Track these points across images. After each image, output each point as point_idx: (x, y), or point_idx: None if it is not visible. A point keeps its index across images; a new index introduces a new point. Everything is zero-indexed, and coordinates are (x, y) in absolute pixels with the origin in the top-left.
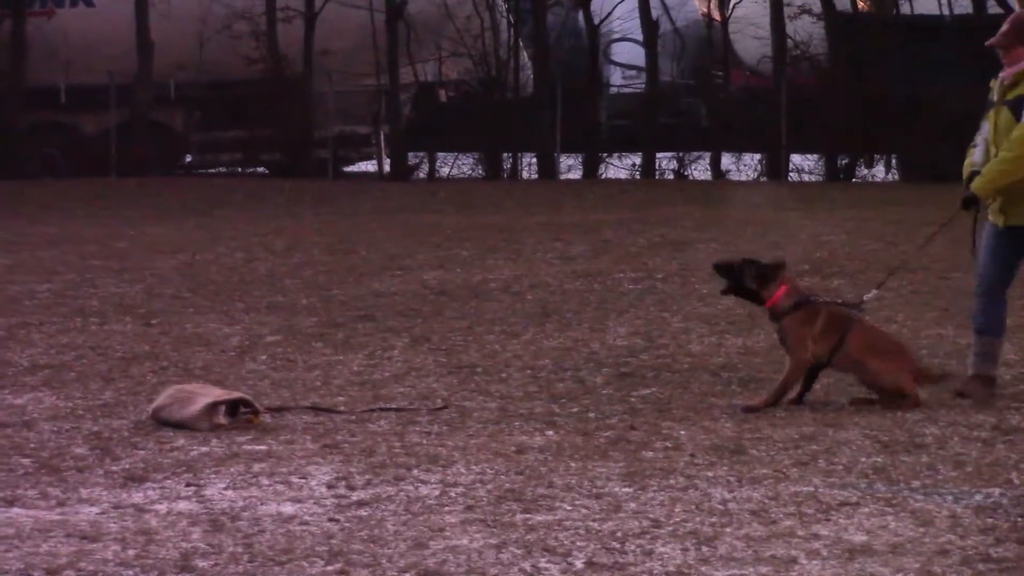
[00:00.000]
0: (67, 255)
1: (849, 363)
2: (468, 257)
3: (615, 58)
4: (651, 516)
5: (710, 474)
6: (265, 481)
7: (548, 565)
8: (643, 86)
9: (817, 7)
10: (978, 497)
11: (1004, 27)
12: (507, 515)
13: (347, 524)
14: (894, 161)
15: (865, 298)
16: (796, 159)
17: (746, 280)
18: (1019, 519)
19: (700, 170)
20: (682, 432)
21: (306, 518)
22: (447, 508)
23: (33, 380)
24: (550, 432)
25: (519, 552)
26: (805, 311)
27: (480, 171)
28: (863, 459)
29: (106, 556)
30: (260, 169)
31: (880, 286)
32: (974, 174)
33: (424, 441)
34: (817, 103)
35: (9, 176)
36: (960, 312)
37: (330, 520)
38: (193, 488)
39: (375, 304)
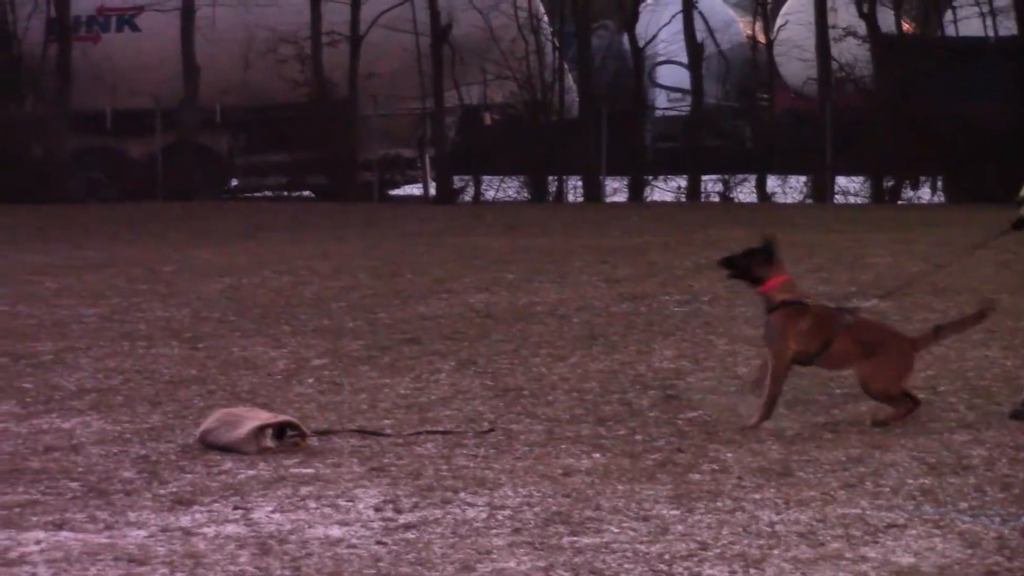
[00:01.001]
0: (114, 279)
1: (834, 365)
2: (514, 280)
3: (660, 80)
4: (698, 538)
5: (757, 496)
6: (312, 504)
7: None
8: (688, 108)
9: (862, 29)
10: None
11: None
12: (554, 538)
13: (394, 547)
14: (939, 182)
15: (863, 306)
16: (841, 181)
17: (751, 267)
18: None
19: (745, 192)
20: (729, 454)
21: (353, 541)
22: (494, 531)
23: (81, 404)
24: (597, 455)
25: (566, 575)
26: (794, 308)
27: (525, 194)
28: (910, 481)
29: None
30: (305, 193)
31: (884, 297)
32: None
33: (471, 464)
34: (862, 125)
35: (56, 200)
36: (1006, 334)
37: (377, 543)
38: (241, 511)
39: (421, 327)
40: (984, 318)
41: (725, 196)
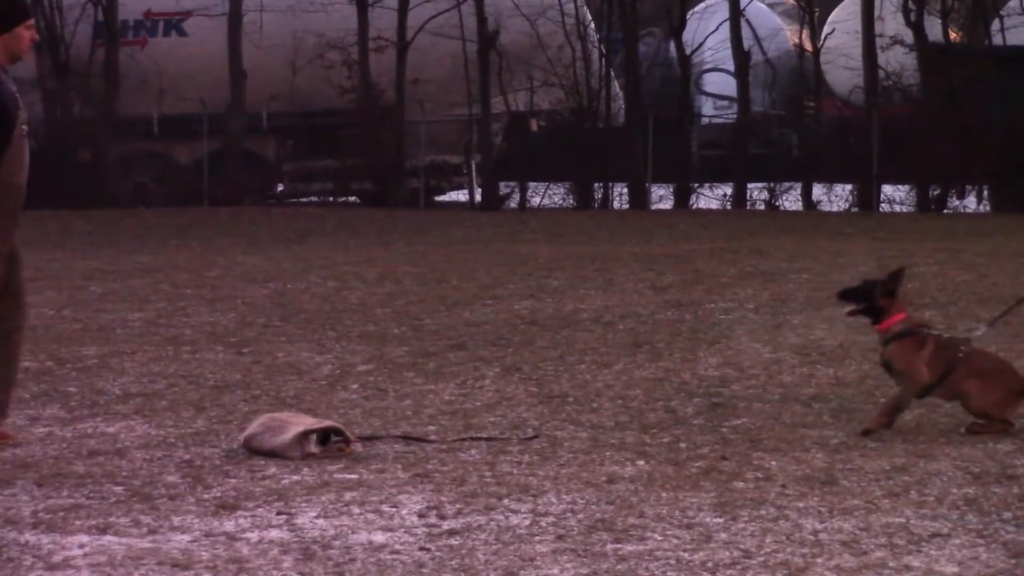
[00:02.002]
0: (159, 284)
1: (953, 394)
2: (559, 287)
3: (707, 88)
4: (742, 547)
5: (801, 505)
6: (356, 510)
7: None
8: (734, 116)
9: (909, 38)
10: None
11: None
12: (598, 545)
13: (438, 553)
14: (985, 191)
15: (975, 335)
16: (887, 190)
17: (875, 298)
18: None
19: (791, 200)
20: (773, 463)
21: (397, 547)
22: (538, 538)
23: (125, 408)
24: (641, 462)
25: None
26: (915, 338)
27: (571, 201)
28: (954, 490)
29: None
30: (352, 198)
31: (993, 323)
32: None
33: (515, 471)
34: (909, 134)
35: (103, 205)
36: None
37: (421, 549)
38: (284, 516)
39: (466, 333)
40: None
41: (771, 204)
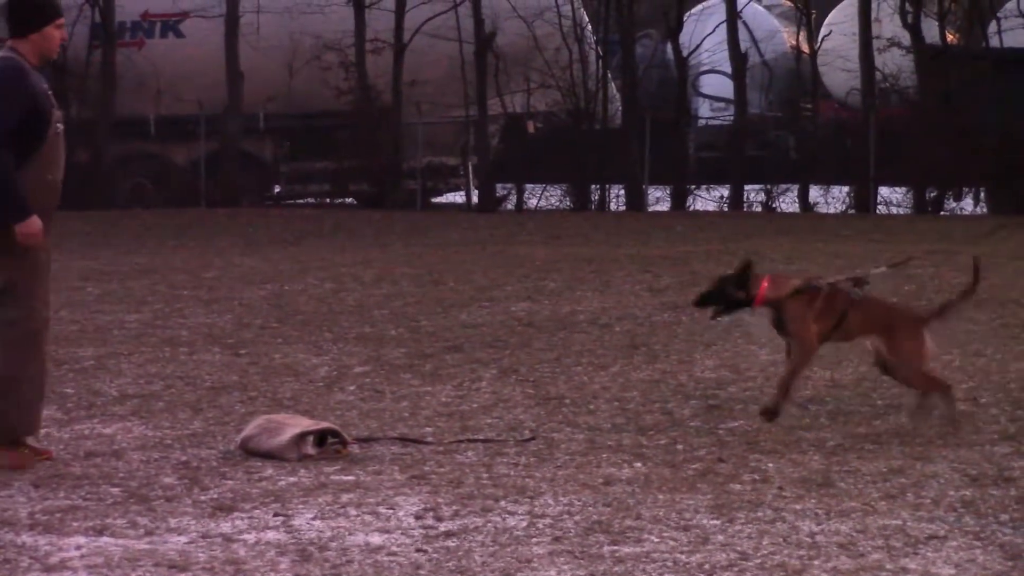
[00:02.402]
0: (156, 285)
1: (851, 338)
2: (556, 289)
3: (703, 90)
4: (739, 549)
5: (798, 507)
6: (353, 511)
7: None
8: (731, 118)
9: (906, 40)
10: None
11: None
12: (595, 547)
13: (435, 555)
14: (982, 194)
15: (872, 272)
16: (884, 192)
17: (730, 294)
18: None
19: (788, 202)
20: (770, 465)
21: (394, 549)
22: (535, 539)
23: (122, 410)
24: (638, 464)
25: None
26: (804, 295)
27: (568, 203)
28: (951, 492)
29: None
30: (349, 200)
31: (895, 265)
32: None
33: (512, 472)
34: (906, 136)
35: (100, 206)
36: None
37: (418, 551)
38: (281, 518)
39: (463, 335)
40: (978, 279)
41: (768, 206)
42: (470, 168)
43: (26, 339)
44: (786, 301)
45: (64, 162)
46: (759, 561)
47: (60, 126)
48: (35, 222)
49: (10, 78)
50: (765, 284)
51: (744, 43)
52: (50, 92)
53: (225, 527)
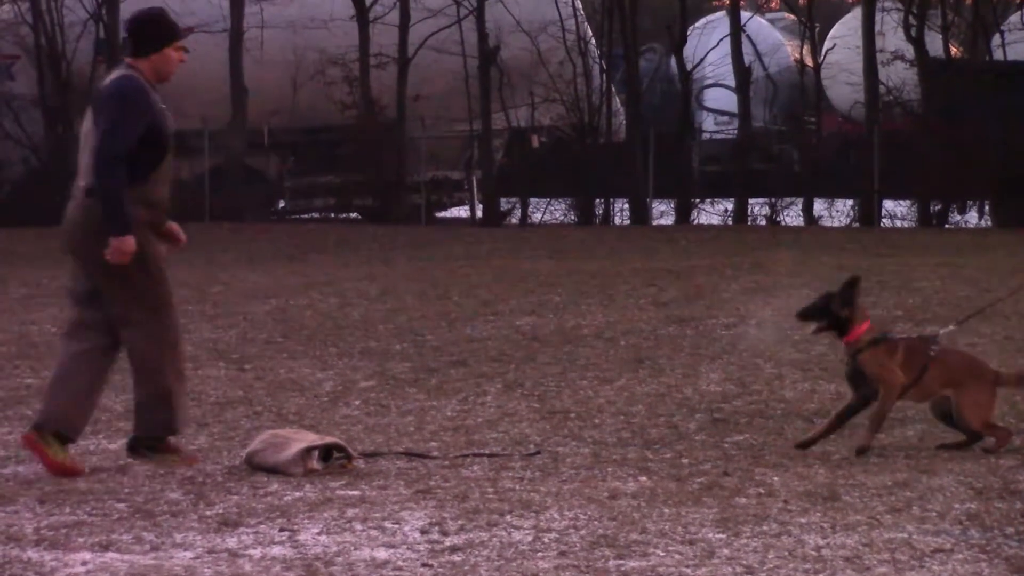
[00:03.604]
0: None
1: (928, 396)
2: (561, 303)
3: (707, 104)
4: (744, 562)
5: (803, 520)
6: (358, 526)
7: None
8: (735, 132)
9: (910, 53)
10: None
11: None
12: (600, 561)
13: (440, 569)
14: (987, 207)
15: (941, 332)
16: (888, 205)
17: (834, 311)
18: None
19: (792, 216)
20: (775, 478)
21: (399, 563)
22: (540, 554)
23: (128, 425)
24: (643, 478)
25: None
26: (886, 345)
27: (572, 217)
28: (957, 505)
29: None
30: (353, 214)
31: (961, 323)
32: None
33: (517, 487)
34: (910, 149)
35: None
36: None
37: (423, 565)
38: (287, 533)
39: (468, 349)
40: None
41: (772, 219)
42: (474, 182)
43: (168, 349)
44: (867, 348)
45: (170, 176)
46: (765, 575)
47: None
48: (130, 241)
49: (134, 96)
50: (866, 326)
51: (748, 57)
52: (167, 112)
53: (231, 542)
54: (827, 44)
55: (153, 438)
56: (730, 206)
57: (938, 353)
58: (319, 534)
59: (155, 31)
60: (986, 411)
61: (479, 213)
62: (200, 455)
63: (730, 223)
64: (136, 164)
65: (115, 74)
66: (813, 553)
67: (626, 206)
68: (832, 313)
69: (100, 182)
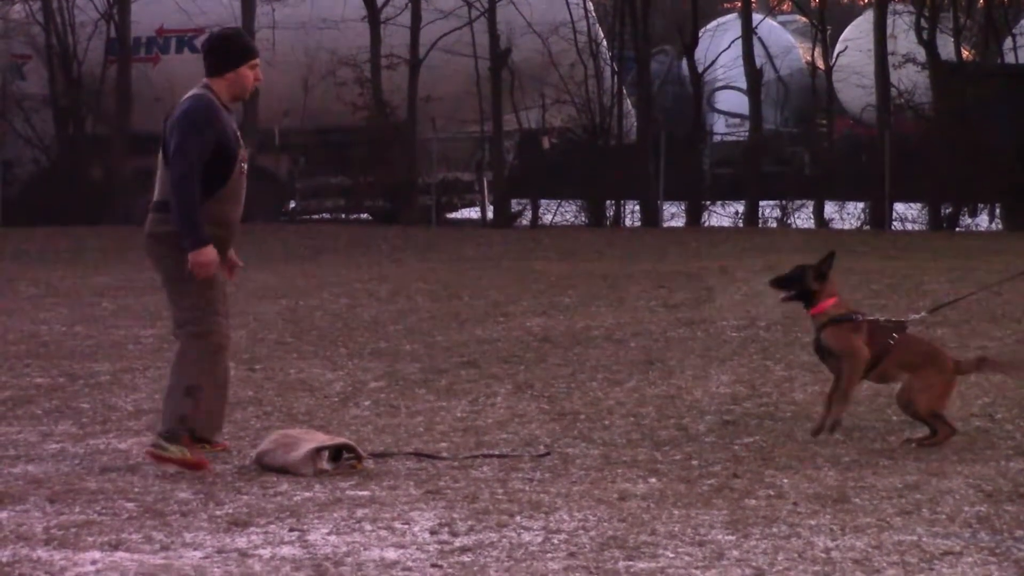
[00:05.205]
0: None
1: (886, 379)
2: (571, 304)
3: (719, 106)
4: (754, 564)
5: (813, 522)
6: (368, 527)
7: None
8: (746, 134)
9: (921, 56)
10: None
11: None
12: (609, 562)
13: (450, 570)
14: (998, 210)
15: (910, 318)
16: (899, 208)
17: (806, 283)
18: None
19: (803, 218)
20: (785, 480)
21: (409, 564)
22: (550, 555)
23: (137, 425)
24: (653, 479)
25: None
26: (851, 324)
27: (583, 218)
28: (966, 508)
29: None
30: (363, 216)
31: (932, 311)
32: None
33: (527, 488)
34: (921, 152)
35: (115, 222)
36: None
37: (433, 566)
38: (297, 533)
39: (478, 351)
40: None
41: (783, 222)
42: (485, 184)
43: (211, 351)
44: (830, 324)
45: (244, 199)
46: None
47: (244, 165)
48: (209, 252)
49: (204, 115)
50: (832, 302)
51: (759, 59)
52: (238, 133)
53: (240, 542)
54: (839, 47)
55: (172, 431)
56: (741, 208)
57: (900, 338)
58: (329, 534)
59: (230, 50)
60: (936, 399)
61: (490, 215)
62: (209, 460)
63: (741, 225)
64: (203, 181)
65: (189, 93)
66: (822, 555)
67: (637, 208)
68: (803, 284)
69: (174, 199)
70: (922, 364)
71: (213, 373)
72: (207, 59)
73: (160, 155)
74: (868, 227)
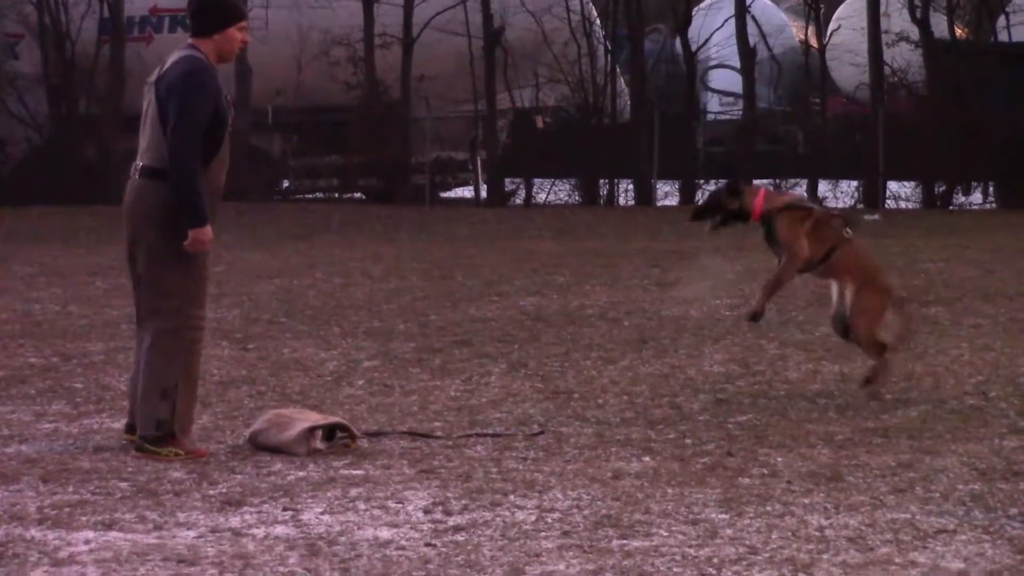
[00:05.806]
0: None
1: (830, 277)
2: (565, 283)
3: (712, 85)
4: (748, 543)
5: (807, 501)
6: (362, 506)
7: None
8: (740, 113)
9: (915, 34)
10: None
11: None
12: (603, 541)
13: (443, 549)
14: (991, 188)
15: (865, 218)
16: (893, 186)
17: (725, 205)
18: None
19: None
20: (779, 459)
21: (403, 543)
22: (543, 534)
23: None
24: (647, 458)
25: None
26: (798, 211)
27: (577, 197)
28: (960, 486)
29: None
30: (357, 195)
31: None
32: None
33: (521, 467)
34: (914, 130)
35: (107, 201)
36: None
37: (427, 545)
38: (290, 512)
39: (472, 330)
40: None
41: None
42: (479, 163)
43: (184, 348)
44: (779, 213)
45: (228, 161)
46: (768, 555)
47: (229, 127)
48: (208, 231)
49: (200, 78)
50: (761, 196)
51: (753, 38)
52: (227, 96)
53: (234, 521)
54: (832, 25)
55: (153, 437)
56: None
57: (852, 238)
58: (322, 514)
59: (219, 11)
60: (874, 320)
61: (483, 193)
62: (205, 448)
63: None
64: (202, 150)
65: (179, 55)
66: (816, 533)
67: (630, 187)
68: (723, 206)
69: (175, 172)
70: (866, 281)
71: (188, 372)
72: (194, 20)
73: (148, 118)
74: (862, 205)
